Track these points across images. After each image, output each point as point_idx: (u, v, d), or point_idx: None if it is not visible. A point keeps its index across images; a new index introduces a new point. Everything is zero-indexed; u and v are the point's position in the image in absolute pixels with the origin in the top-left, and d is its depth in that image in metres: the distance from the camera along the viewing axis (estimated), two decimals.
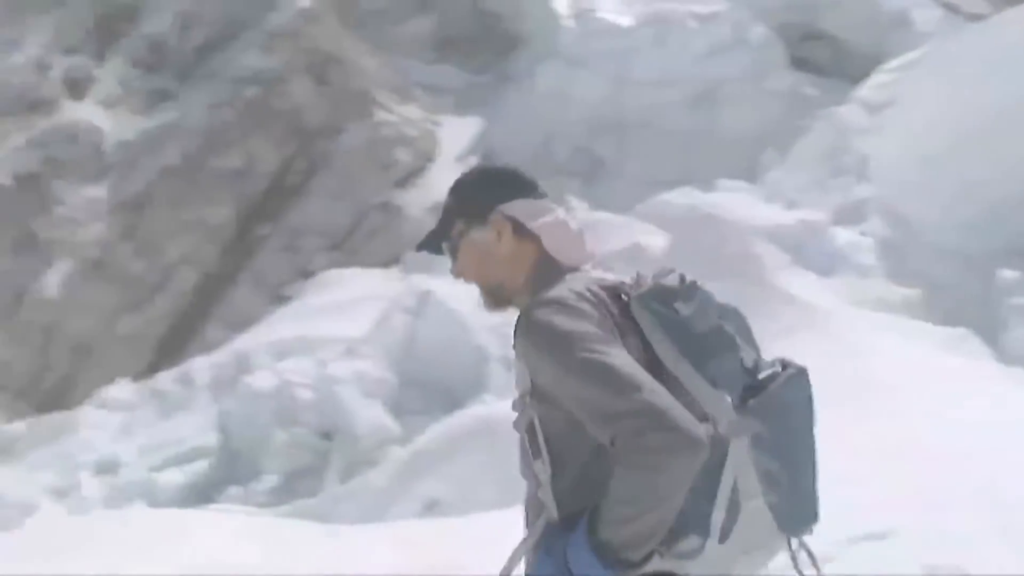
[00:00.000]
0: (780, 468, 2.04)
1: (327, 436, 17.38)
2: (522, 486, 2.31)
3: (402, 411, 17.12)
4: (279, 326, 25.17)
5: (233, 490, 16.90)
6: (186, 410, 26.24)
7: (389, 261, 41.71)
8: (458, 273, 2.39)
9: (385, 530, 6.97)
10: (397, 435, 16.38)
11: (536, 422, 2.13)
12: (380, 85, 54.73)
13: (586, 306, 2.08)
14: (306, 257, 48.32)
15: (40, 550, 7.05)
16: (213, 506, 15.60)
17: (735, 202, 16.03)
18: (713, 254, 13.76)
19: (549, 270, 2.22)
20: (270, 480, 16.82)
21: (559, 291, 2.12)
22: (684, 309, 2.09)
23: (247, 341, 28.37)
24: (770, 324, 12.14)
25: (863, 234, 15.38)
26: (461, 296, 20.16)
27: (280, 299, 42.12)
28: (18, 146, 53.47)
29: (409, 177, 50.61)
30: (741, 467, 2.02)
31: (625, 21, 36.48)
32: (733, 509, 2.03)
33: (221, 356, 28.36)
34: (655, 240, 15.00)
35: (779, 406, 2.07)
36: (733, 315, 2.17)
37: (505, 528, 2.72)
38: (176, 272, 49.12)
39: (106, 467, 24.63)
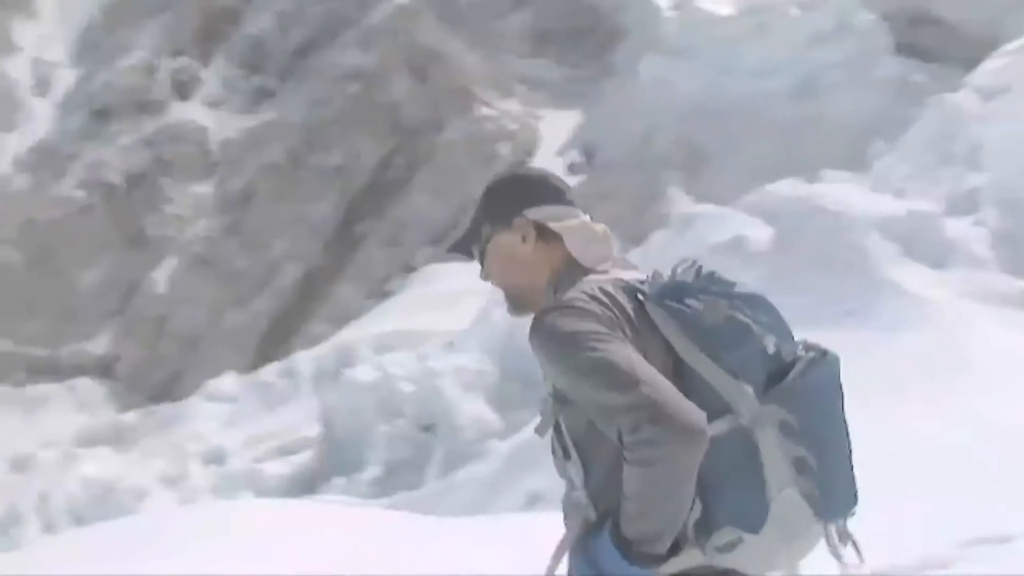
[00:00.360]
0: (810, 454, 2.00)
1: (428, 429, 17.46)
2: None
3: (503, 405, 17.08)
4: (381, 320, 25.42)
5: (336, 481, 17.09)
6: (290, 402, 26.68)
7: None
8: (485, 276, 2.42)
9: (491, 524, 6.93)
10: (498, 429, 16.35)
11: (562, 424, 2.17)
12: (479, 80, 54.98)
13: (595, 307, 2.07)
14: (408, 252, 48.79)
15: (153, 539, 7.18)
16: (317, 497, 15.79)
17: (841, 193, 15.54)
18: (820, 247, 13.41)
19: (571, 272, 2.22)
20: (372, 472, 16.95)
21: (572, 294, 2.13)
22: (695, 304, 2.06)
23: (349, 335, 28.72)
24: (879, 318, 11.83)
25: (976, 224, 14.78)
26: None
27: (382, 294, 42.61)
28: (129, 146, 54.98)
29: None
30: (770, 456, 2.00)
31: (726, 10, 35.94)
32: (765, 499, 2.00)
33: (324, 350, 28.74)
34: (759, 233, 14.68)
35: (803, 391, 2.03)
36: (755, 302, 2.10)
37: None
38: (280, 267, 50.03)
39: (213, 457, 25.18)
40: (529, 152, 48.38)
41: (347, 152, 50.92)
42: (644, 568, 1.96)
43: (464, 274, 30.26)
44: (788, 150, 30.95)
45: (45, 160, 55.08)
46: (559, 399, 2.15)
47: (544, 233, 2.28)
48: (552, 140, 48.69)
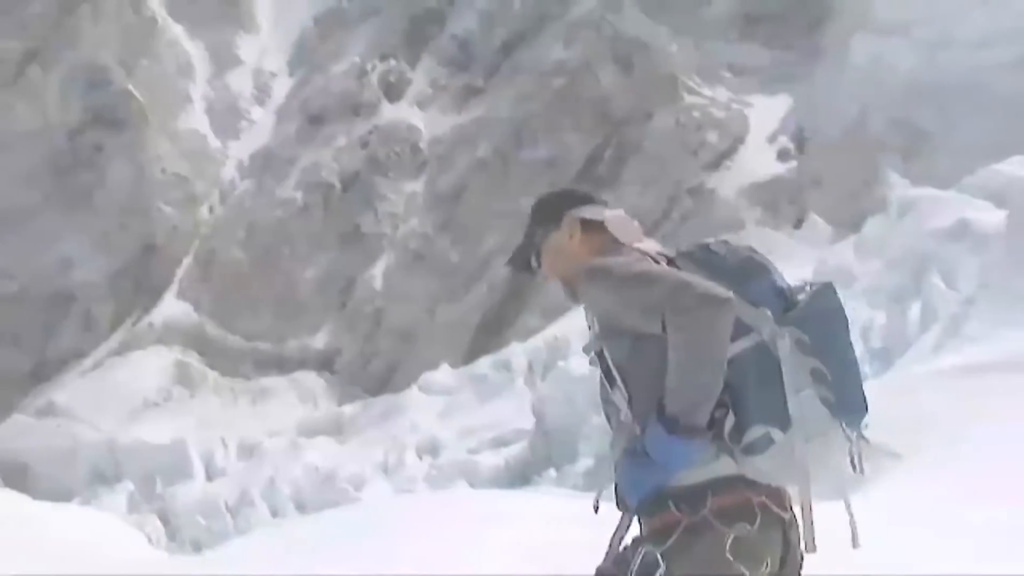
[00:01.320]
0: (824, 366, 2.32)
1: None
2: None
3: None
4: None
5: (549, 472, 17.15)
6: (503, 394, 26.99)
7: None
8: (544, 275, 2.79)
9: None
10: None
11: (607, 355, 2.52)
12: (686, 68, 54.27)
13: (635, 252, 2.55)
14: None
15: (372, 527, 7.34)
16: (530, 488, 15.88)
17: None
18: None
19: (614, 247, 2.62)
20: (584, 463, 16.91)
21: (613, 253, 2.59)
22: (720, 249, 2.50)
23: (562, 327, 28.79)
24: None
25: None
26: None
27: None
28: (343, 148, 56.95)
29: (720, 159, 49.87)
30: (789, 364, 2.32)
31: None
32: (787, 399, 2.30)
33: (537, 342, 28.93)
34: (986, 216, 13.86)
35: (812, 315, 2.38)
36: (762, 256, 2.51)
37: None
38: (492, 261, 50.75)
39: (428, 447, 25.74)
40: (739, 139, 47.44)
41: (555, 146, 51.24)
42: (686, 440, 2.27)
43: None
44: (1014, 126, 29.18)
45: (266, 165, 57.72)
46: (604, 334, 2.51)
47: (587, 226, 2.71)
48: (761, 126, 47.59)
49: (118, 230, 53.46)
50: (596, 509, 2.59)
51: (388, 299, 49.42)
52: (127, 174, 55.92)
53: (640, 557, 2.33)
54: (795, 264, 25.79)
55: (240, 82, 62.69)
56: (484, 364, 31.01)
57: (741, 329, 2.34)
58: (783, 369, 2.31)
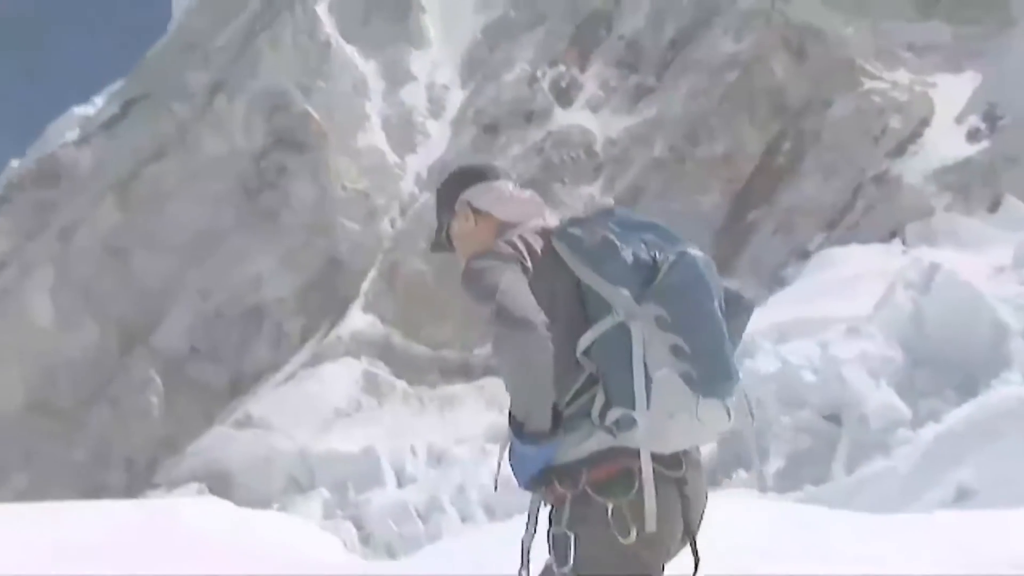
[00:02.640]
0: (684, 342, 2.33)
1: (832, 419, 16.67)
2: None
3: (912, 392, 15.98)
4: (778, 309, 24.65)
5: (739, 474, 16.71)
6: None
7: (889, 235, 39.60)
8: (461, 259, 2.76)
9: (916, 523, 6.34)
10: (907, 418, 15.29)
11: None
12: (863, 52, 52.39)
13: (506, 248, 2.54)
14: (802, 237, 47.30)
15: None
16: (720, 490, 15.49)
17: None
18: None
19: (503, 229, 2.65)
20: (775, 463, 16.41)
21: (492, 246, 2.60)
22: (577, 231, 2.49)
23: (750, 325, 28.18)
24: None
25: None
26: (974, 267, 18.53)
27: (778, 281, 41.47)
28: (519, 155, 57.33)
29: (904, 144, 47.84)
30: (648, 344, 2.35)
31: None
32: (646, 380, 2.34)
33: None
34: None
35: (670, 288, 2.38)
36: (629, 222, 2.51)
37: None
38: None
39: None
40: (924, 122, 45.42)
41: (731, 141, 50.28)
42: (531, 444, 2.39)
43: (863, 257, 28.82)
44: None
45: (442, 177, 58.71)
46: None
47: (477, 209, 2.75)
48: (948, 107, 45.44)
49: (304, 247, 55.26)
50: (495, 487, 2.82)
51: None
52: (311, 193, 57.78)
53: (552, 540, 2.44)
54: (991, 250, 24.47)
55: (414, 97, 63.96)
56: None
57: (603, 310, 2.41)
58: (645, 348, 2.35)
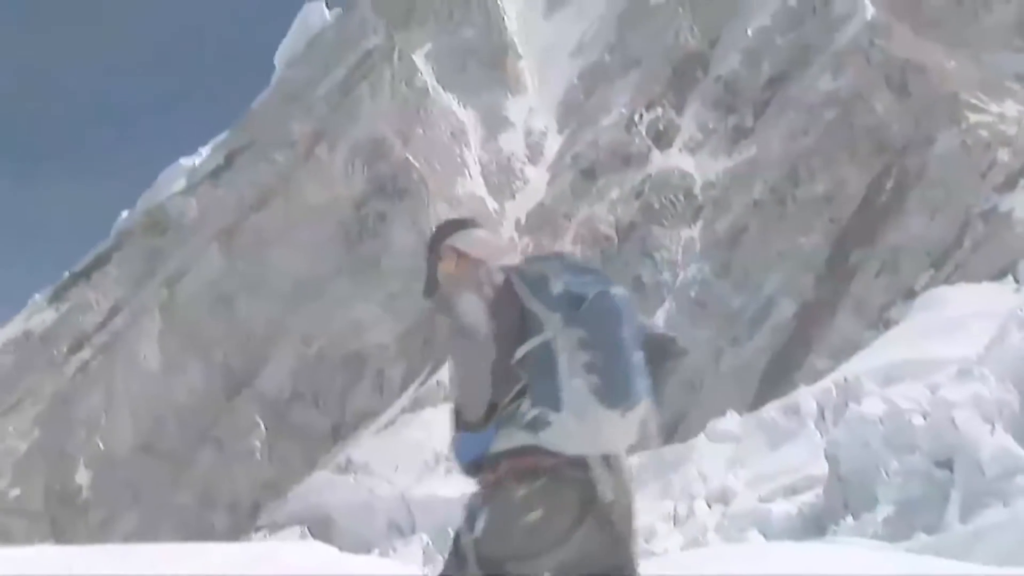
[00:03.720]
0: (596, 359, 2.76)
1: (944, 465, 16.08)
2: None
3: None
4: (885, 350, 24.00)
5: (847, 521, 16.19)
6: (794, 440, 25.90)
7: (999, 272, 38.29)
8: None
9: None
10: None
11: None
12: (967, 85, 51.14)
13: (463, 283, 3.01)
14: (907, 277, 46.04)
15: None
16: (827, 539, 15.03)
17: None
18: None
19: (476, 266, 3.07)
20: (884, 511, 15.82)
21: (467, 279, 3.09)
22: (524, 267, 2.97)
23: (853, 367, 27.43)
24: None
25: None
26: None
27: (884, 322, 40.43)
28: (616, 198, 57.27)
29: (1014, 178, 46.35)
30: (568, 359, 2.78)
31: None
32: (558, 387, 2.78)
33: (827, 384, 27.67)
34: None
35: (590, 316, 2.79)
36: (573, 266, 2.94)
37: None
38: (774, 304, 49.33)
39: (719, 496, 24.97)
40: None
41: (832, 180, 49.45)
42: (463, 431, 2.87)
43: (973, 295, 27.97)
44: None
45: (543, 221, 58.79)
46: None
47: (460, 252, 3.16)
48: None
49: (404, 293, 55.71)
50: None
51: None
52: (410, 239, 58.33)
53: (466, 511, 2.97)
54: None
55: (512, 143, 64.44)
56: (772, 409, 29.86)
57: (536, 328, 2.86)
58: (564, 362, 2.79)
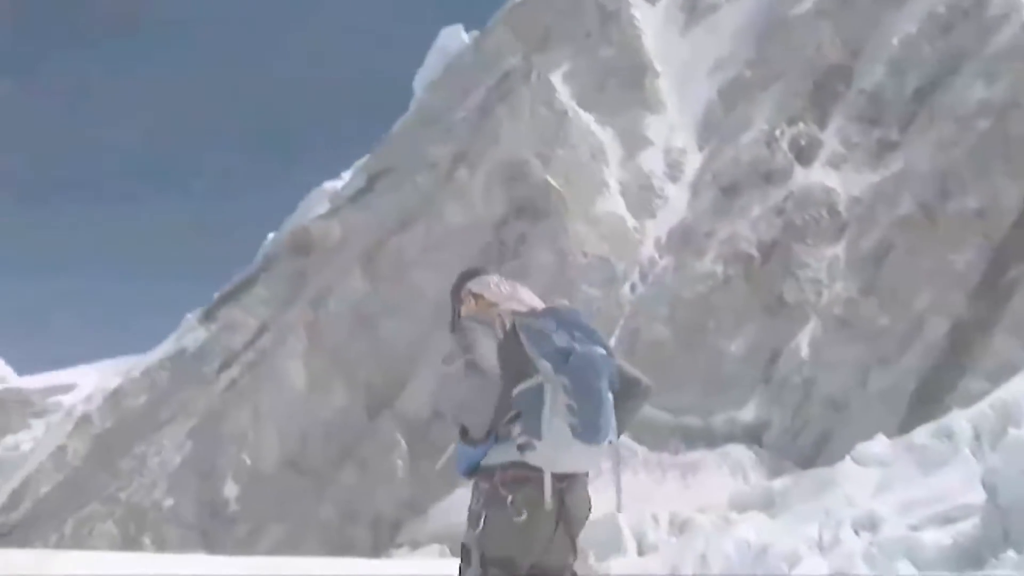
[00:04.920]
0: (575, 403, 3.50)
1: None
2: None
3: None
4: None
5: (1007, 555, 15.45)
6: (947, 466, 24.92)
7: None
8: None
9: None
10: None
11: None
12: None
13: (486, 319, 3.84)
14: None
15: None
16: (985, 573, 14.35)
17: None
18: None
19: (489, 308, 3.86)
20: None
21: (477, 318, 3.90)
22: (526, 320, 3.68)
23: (1011, 390, 26.30)
24: None
25: None
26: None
27: None
28: (759, 217, 56.24)
29: None
30: (553, 400, 3.51)
31: None
32: (542, 421, 3.51)
33: (983, 407, 26.61)
34: None
35: (574, 368, 3.53)
36: (567, 321, 3.67)
37: None
38: (924, 323, 47.63)
39: (866, 523, 24.13)
40: None
41: (985, 193, 47.60)
42: (469, 446, 3.68)
43: None
44: None
45: (684, 240, 58.18)
46: None
47: (477, 296, 3.96)
48: None
49: None
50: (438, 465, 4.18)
51: (816, 368, 47.72)
52: (550, 260, 58.49)
53: (470, 513, 3.73)
54: None
55: (651, 162, 64.02)
56: (923, 433, 28.82)
57: (532, 372, 3.56)
58: (549, 402, 3.50)
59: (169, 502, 57.68)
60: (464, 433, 3.69)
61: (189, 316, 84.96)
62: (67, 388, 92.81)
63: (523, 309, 3.84)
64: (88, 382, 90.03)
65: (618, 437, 3.65)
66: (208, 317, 79.72)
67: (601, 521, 39.00)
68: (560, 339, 3.58)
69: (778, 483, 34.46)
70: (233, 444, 57.82)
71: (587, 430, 3.50)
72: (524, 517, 3.57)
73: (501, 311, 3.82)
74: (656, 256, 58.31)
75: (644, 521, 38.14)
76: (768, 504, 32.68)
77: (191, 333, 79.96)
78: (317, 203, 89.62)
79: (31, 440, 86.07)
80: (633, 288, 57.11)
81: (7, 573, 13.95)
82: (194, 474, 58.10)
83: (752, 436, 47.59)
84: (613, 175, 63.92)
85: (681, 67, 68.67)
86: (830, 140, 57.54)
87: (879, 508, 23.77)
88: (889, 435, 32.39)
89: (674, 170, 63.58)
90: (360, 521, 51.48)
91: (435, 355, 56.90)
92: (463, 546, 3.74)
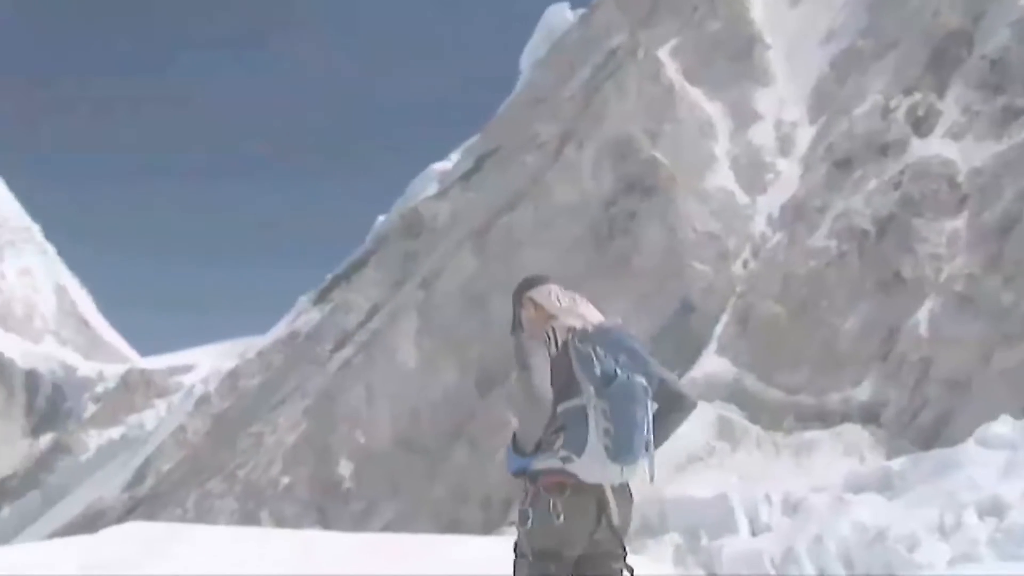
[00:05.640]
0: (612, 427, 3.93)
1: None
2: None
3: None
4: None
5: None
6: None
7: None
8: (530, 336, 4.28)
9: None
10: None
11: None
12: None
13: (542, 336, 4.17)
14: None
15: None
16: (986, 572, 13.74)
17: None
18: None
19: (548, 319, 4.22)
20: None
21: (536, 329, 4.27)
22: (578, 344, 4.05)
23: None
24: None
25: None
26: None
27: None
28: (874, 190, 54.78)
29: None
30: (594, 422, 3.94)
31: None
32: (586, 440, 3.95)
33: None
34: None
35: (612, 394, 3.94)
36: (609, 342, 4.06)
37: None
38: None
39: (990, 508, 23.40)
40: None
41: None
42: (519, 454, 4.11)
43: None
44: None
45: (796, 215, 57.03)
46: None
47: (536, 304, 4.28)
48: None
49: (656, 292, 55.38)
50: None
51: (935, 346, 46.34)
52: (660, 237, 57.97)
53: (519, 512, 4.14)
54: None
55: (762, 135, 62.87)
56: None
57: (575, 392, 3.97)
58: (591, 423, 3.92)
59: (286, 480, 58.96)
60: (515, 440, 4.13)
61: (303, 298, 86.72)
62: (187, 369, 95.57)
63: (579, 324, 4.19)
64: (207, 363, 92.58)
65: (656, 449, 4.09)
66: (321, 299, 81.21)
67: (713, 500, 38.65)
68: (606, 364, 3.99)
69: (896, 464, 33.64)
70: (347, 423, 58.80)
71: (620, 452, 3.97)
72: (562, 520, 4.02)
73: (555, 325, 4.20)
74: (768, 232, 57.32)
75: (757, 501, 37.67)
76: (885, 486, 31.92)
77: (305, 315, 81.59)
78: (426, 185, 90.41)
79: (154, 419, 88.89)
80: (745, 264, 56.25)
81: (143, 544, 14.49)
82: (309, 452, 59.28)
83: (868, 416, 46.49)
84: (722, 150, 62.97)
85: (791, 38, 67.21)
86: (949, 109, 55.71)
87: (1006, 493, 23.00)
88: (1016, 416, 31.29)
89: (785, 144, 62.34)
90: (471, 500, 51.90)
91: None
92: (516, 542, 4.20)
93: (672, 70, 66.50)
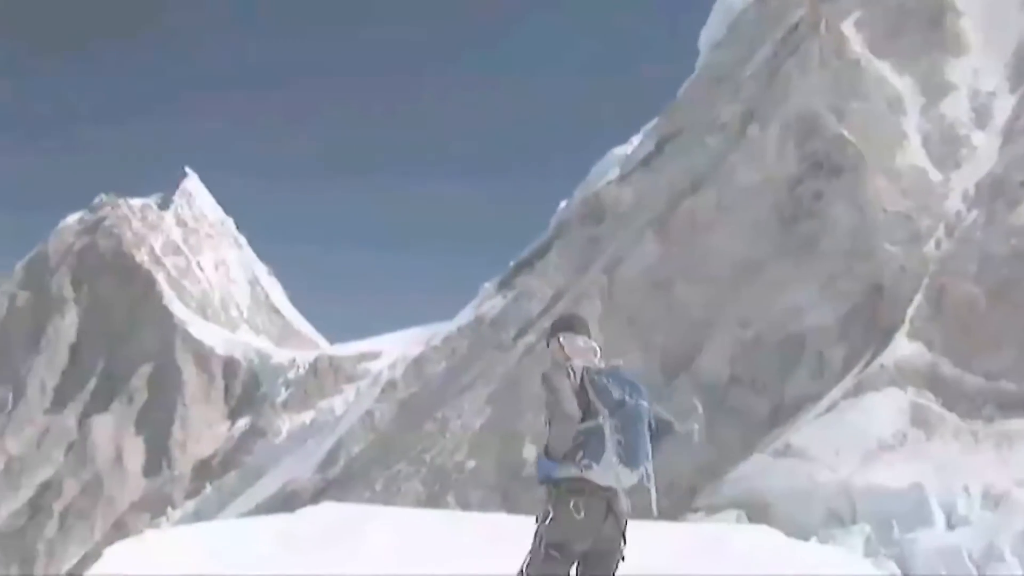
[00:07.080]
0: (623, 441, 4.91)
1: None
2: None
3: None
4: None
5: None
6: None
7: None
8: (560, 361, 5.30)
9: None
10: None
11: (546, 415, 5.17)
12: None
13: (561, 370, 5.07)
14: None
15: None
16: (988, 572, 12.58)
17: None
18: None
19: (568, 357, 5.21)
20: None
21: (560, 364, 5.20)
22: (593, 376, 5.02)
23: None
24: None
25: None
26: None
27: None
28: None
29: None
30: (609, 437, 4.91)
31: None
32: (604, 451, 4.89)
33: None
34: None
35: (623, 413, 4.95)
36: (621, 379, 5.07)
37: None
38: None
39: None
40: None
41: None
42: (550, 463, 4.95)
43: None
44: None
45: (995, 191, 54.38)
46: (547, 406, 5.07)
47: (562, 344, 5.30)
48: None
49: (845, 274, 53.75)
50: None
51: None
52: (849, 218, 56.20)
53: (541, 511, 4.99)
54: None
55: (955, 108, 60.20)
56: None
57: (592, 415, 4.92)
58: (607, 437, 4.90)
59: (471, 464, 59.96)
60: (547, 450, 4.97)
61: (486, 285, 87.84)
62: (374, 356, 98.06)
63: (592, 364, 5.16)
64: (393, 350, 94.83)
65: (651, 460, 5.00)
66: (504, 285, 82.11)
67: (906, 491, 37.30)
68: (616, 392, 4.98)
69: None
70: (531, 408, 59.28)
71: (630, 458, 4.92)
72: (582, 515, 4.92)
73: (573, 364, 5.13)
74: (963, 210, 54.84)
75: (954, 493, 36.23)
76: None
77: (489, 301, 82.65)
78: (607, 169, 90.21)
79: (343, 404, 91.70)
80: (938, 245, 53.96)
81: (338, 524, 14.99)
82: (494, 437, 60.10)
83: None
84: (913, 125, 60.59)
85: (986, 4, 64.03)
86: None
87: None
88: None
89: (981, 116, 59.52)
90: (658, 487, 51.61)
91: (732, 319, 56.09)
92: (534, 534, 5.00)
93: (857, 43, 64.33)
